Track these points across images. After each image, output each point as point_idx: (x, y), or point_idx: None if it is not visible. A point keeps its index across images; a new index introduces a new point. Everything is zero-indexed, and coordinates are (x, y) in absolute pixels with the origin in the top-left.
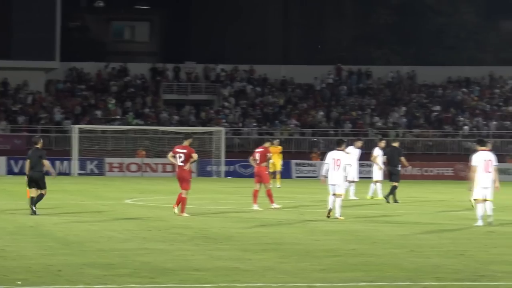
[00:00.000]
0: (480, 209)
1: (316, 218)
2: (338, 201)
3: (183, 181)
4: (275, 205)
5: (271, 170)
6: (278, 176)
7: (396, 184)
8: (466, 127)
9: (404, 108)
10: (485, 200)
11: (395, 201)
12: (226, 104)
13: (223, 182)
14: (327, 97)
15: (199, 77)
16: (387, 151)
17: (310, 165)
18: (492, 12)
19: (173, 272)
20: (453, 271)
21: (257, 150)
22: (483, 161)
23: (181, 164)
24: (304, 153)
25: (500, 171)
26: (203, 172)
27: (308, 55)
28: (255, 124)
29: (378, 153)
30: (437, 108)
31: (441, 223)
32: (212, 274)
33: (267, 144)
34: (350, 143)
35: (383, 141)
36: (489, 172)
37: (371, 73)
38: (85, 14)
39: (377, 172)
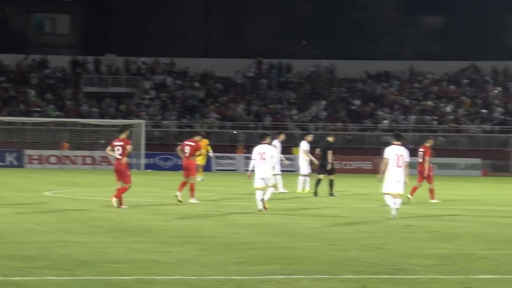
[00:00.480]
0: (390, 201)
1: (234, 211)
2: (270, 190)
3: (122, 175)
4: (194, 200)
5: (198, 163)
6: (200, 169)
7: (332, 177)
8: (385, 121)
9: (324, 102)
10: (395, 194)
11: (315, 194)
12: (146, 96)
13: (142, 174)
14: (248, 91)
15: (119, 69)
16: (321, 145)
17: (230, 158)
18: (412, 7)
19: (91, 265)
20: (371, 265)
21: (187, 142)
22: (394, 155)
23: (119, 157)
24: (224, 146)
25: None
26: None
27: (229, 49)
28: (175, 117)
29: (306, 147)
30: (357, 102)
31: (359, 216)
32: (130, 266)
33: (197, 138)
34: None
35: (311, 135)
36: (400, 166)
37: (291, 66)
38: (5, 5)
39: (304, 165)
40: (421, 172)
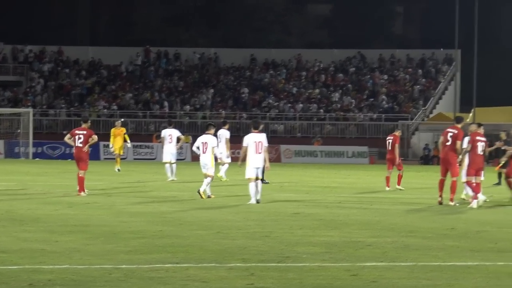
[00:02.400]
0: (252, 188)
1: (123, 200)
2: (207, 180)
3: (81, 161)
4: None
5: (116, 153)
6: (118, 159)
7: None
8: (273, 110)
9: (212, 90)
10: (257, 179)
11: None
12: (34, 85)
13: (30, 163)
14: (136, 79)
15: (7, 58)
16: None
17: None
18: None
19: None
20: (259, 253)
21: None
22: (253, 142)
23: (80, 145)
24: None
25: (307, 153)
26: (11, 153)
27: (117, 37)
28: (63, 105)
29: (227, 135)
30: (245, 90)
31: (247, 205)
32: (18, 255)
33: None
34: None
35: (227, 123)
36: (260, 153)
37: (179, 55)
38: None
39: (225, 153)
40: (390, 160)
